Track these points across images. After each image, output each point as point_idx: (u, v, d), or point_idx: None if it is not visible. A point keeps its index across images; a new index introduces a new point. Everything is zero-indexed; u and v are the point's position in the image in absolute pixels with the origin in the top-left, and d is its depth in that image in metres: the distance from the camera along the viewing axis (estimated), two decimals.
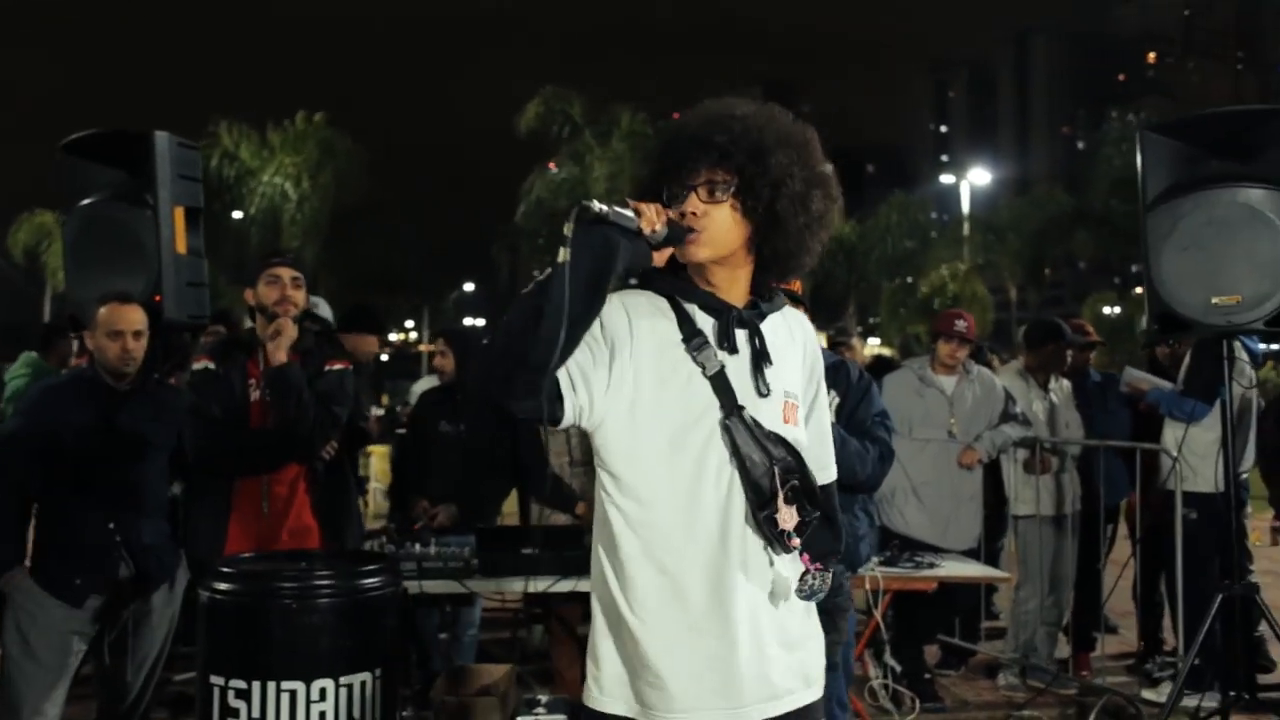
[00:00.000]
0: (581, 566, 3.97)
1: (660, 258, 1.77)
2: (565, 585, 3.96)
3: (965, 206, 34.55)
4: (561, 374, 1.67)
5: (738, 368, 1.78)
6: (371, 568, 2.94)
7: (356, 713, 2.80)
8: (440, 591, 4.11)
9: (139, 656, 3.49)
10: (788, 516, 1.74)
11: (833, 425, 3.28)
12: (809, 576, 1.79)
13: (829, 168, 1.84)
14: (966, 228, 33.76)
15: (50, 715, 3.35)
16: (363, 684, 2.81)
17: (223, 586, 2.85)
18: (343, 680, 2.78)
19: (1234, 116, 3.69)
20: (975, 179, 36.37)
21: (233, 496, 3.39)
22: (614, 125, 25.72)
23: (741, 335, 1.81)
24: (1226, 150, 3.58)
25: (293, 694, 2.75)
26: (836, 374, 3.45)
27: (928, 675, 5.14)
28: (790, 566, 1.78)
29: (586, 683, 1.82)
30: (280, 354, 3.37)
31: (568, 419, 1.70)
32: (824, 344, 6.87)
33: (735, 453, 1.73)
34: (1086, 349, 5.87)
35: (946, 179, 46.50)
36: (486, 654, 5.79)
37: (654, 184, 1.82)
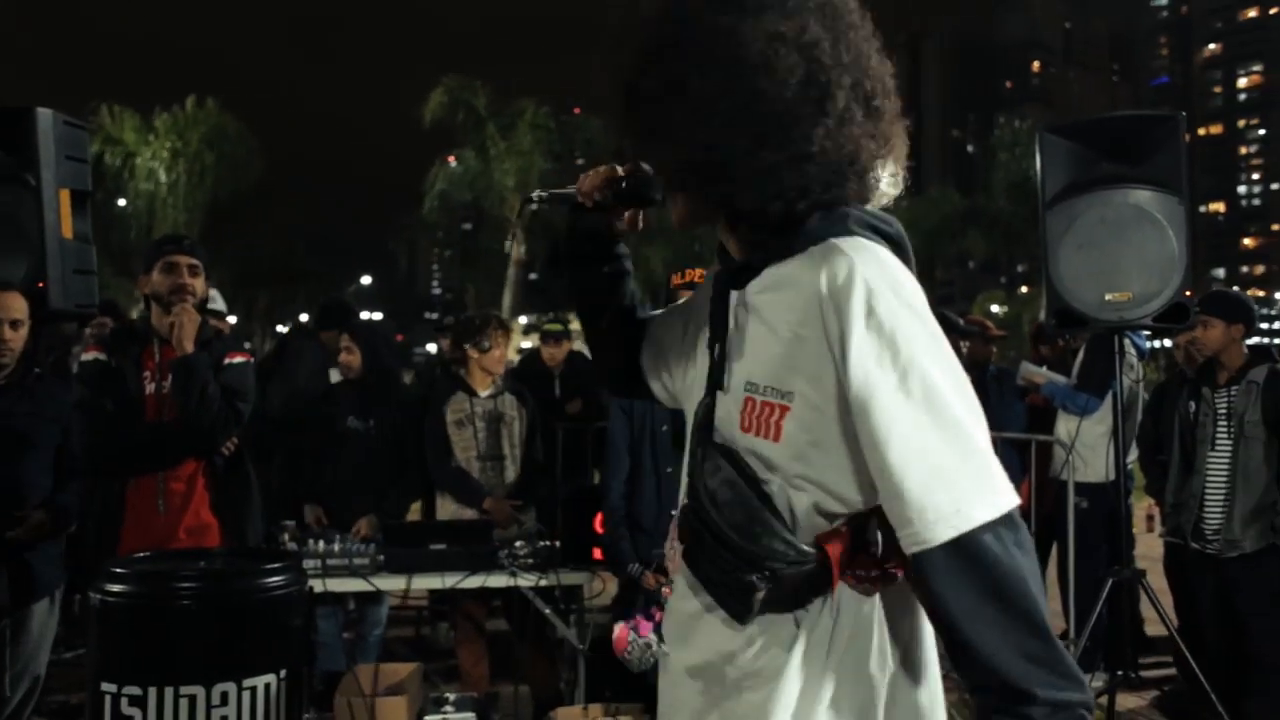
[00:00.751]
0: (488, 562, 3.94)
1: (629, 218, 1.49)
2: (474, 581, 3.91)
3: None
4: (644, 357, 1.56)
5: (718, 347, 1.36)
6: (274, 566, 2.84)
7: (260, 716, 2.70)
8: (346, 590, 4.02)
9: (17, 668, 3.30)
10: (672, 555, 1.37)
11: None
12: (633, 643, 1.56)
13: (720, 20, 1.21)
14: None
15: None
16: (267, 686, 2.71)
17: (115, 588, 2.71)
18: (246, 683, 2.67)
19: (1126, 121, 3.83)
20: None
21: (126, 494, 3.23)
22: (518, 117, 25.49)
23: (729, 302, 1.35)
24: (1118, 153, 3.71)
25: (192, 699, 2.64)
26: None
27: None
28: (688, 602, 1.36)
29: None
30: (187, 344, 3.21)
31: (660, 397, 1.58)
32: None
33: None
34: (987, 343, 6.05)
35: None
36: (391, 652, 5.68)
37: None
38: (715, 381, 1.33)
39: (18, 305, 3.25)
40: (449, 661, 5.26)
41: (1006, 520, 1.13)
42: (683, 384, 1.48)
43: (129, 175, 24.12)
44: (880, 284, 1.18)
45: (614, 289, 1.57)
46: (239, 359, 3.41)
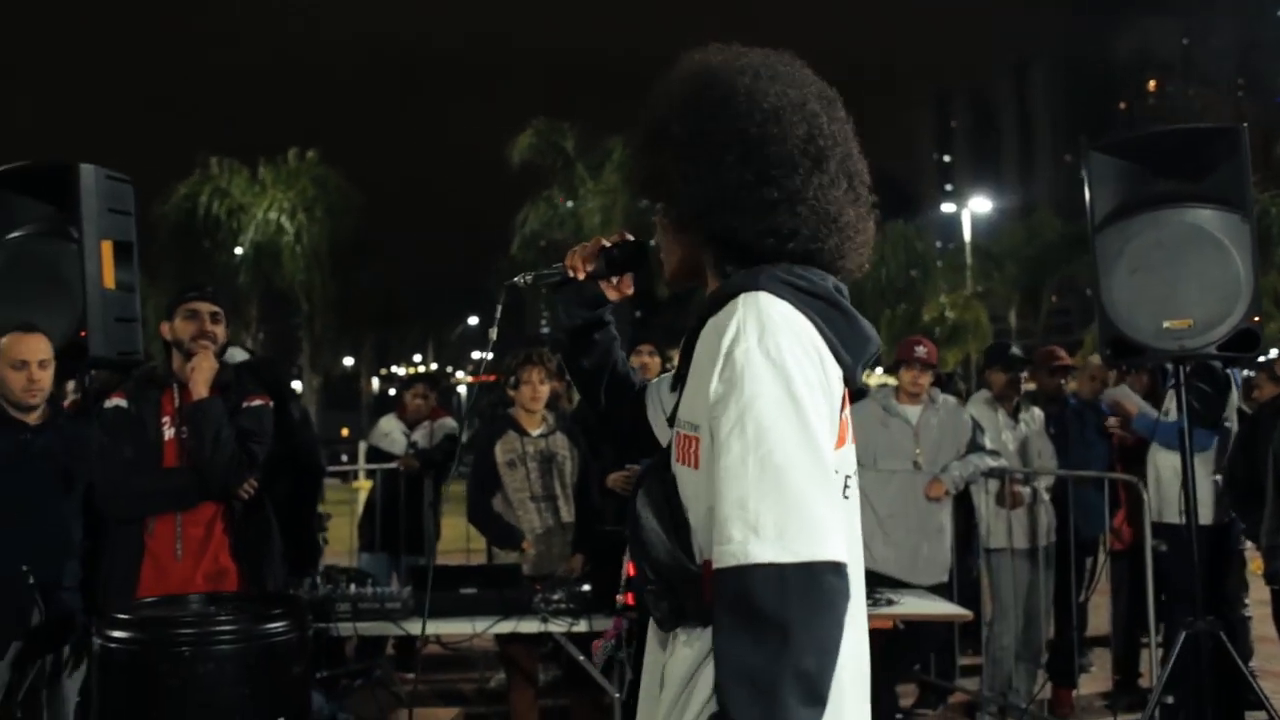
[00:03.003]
0: (521, 607, 3.85)
1: (623, 287, 1.76)
2: (506, 626, 3.83)
3: (967, 234, 34.54)
4: (651, 415, 1.75)
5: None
6: (275, 611, 2.81)
7: None
8: (377, 634, 3.99)
9: (54, 708, 3.35)
10: (630, 566, 1.65)
11: None
12: (604, 643, 1.72)
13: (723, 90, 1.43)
14: (969, 256, 33.70)
15: None
16: None
17: (116, 634, 2.72)
18: None
19: (1182, 134, 3.58)
20: (976, 207, 36.39)
21: (145, 539, 3.26)
22: (606, 157, 25.70)
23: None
24: (1175, 169, 3.47)
25: None
26: None
27: (899, 715, 4.97)
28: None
29: None
30: (201, 388, 3.25)
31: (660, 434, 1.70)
32: None
33: None
34: (1053, 375, 5.73)
35: (948, 207, 46.58)
36: (452, 696, 5.65)
37: None
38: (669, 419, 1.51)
39: (43, 346, 3.34)
40: (500, 706, 5.19)
41: (798, 568, 1.21)
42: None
43: (237, 226, 25.11)
44: (748, 330, 1.31)
45: (609, 353, 1.81)
46: (257, 402, 3.43)
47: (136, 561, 3.23)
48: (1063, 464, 5.33)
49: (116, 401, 3.36)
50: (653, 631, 1.47)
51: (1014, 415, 5.39)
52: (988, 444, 5.03)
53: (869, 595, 4.22)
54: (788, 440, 1.25)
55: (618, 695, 3.92)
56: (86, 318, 3.79)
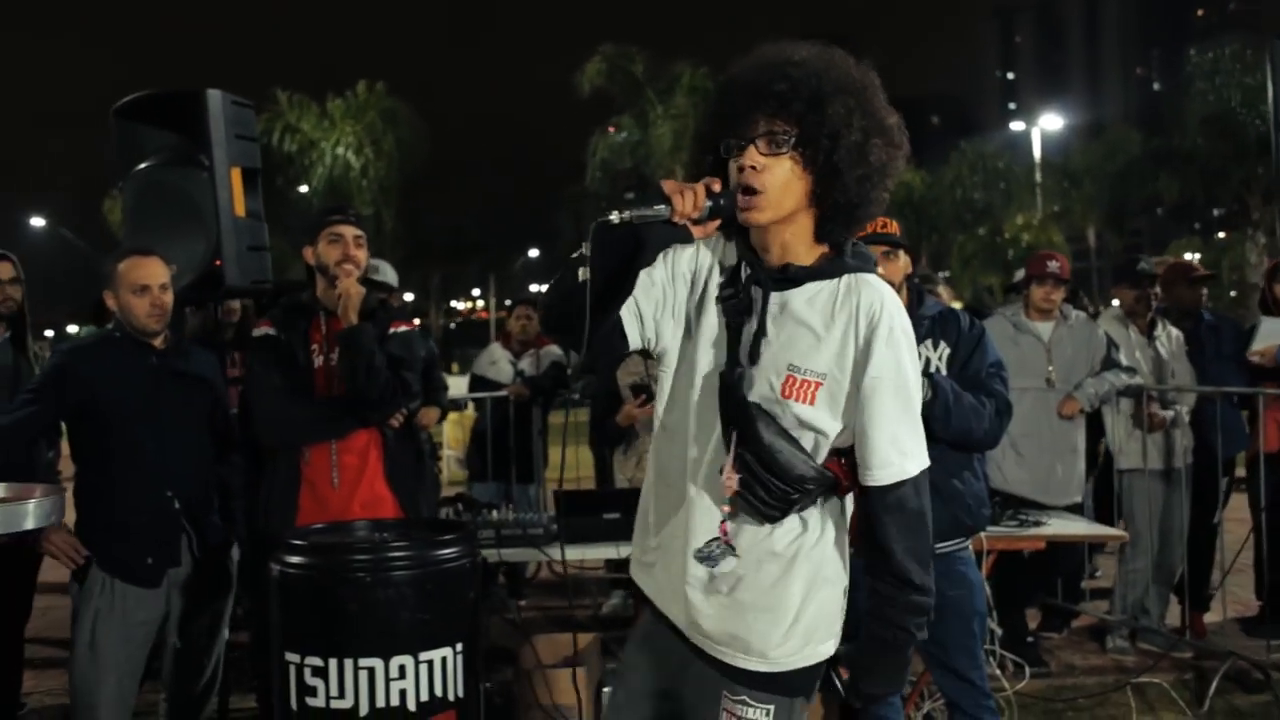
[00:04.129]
0: None
1: (708, 229, 1.81)
2: None
3: (1037, 153, 33.45)
4: (627, 314, 1.84)
5: (750, 331, 1.80)
6: (448, 537, 2.77)
7: (439, 689, 2.65)
8: (520, 560, 3.97)
9: (204, 638, 3.37)
10: (730, 481, 1.76)
11: (945, 379, 3.05)
12: (714, 543, 1.81)
13: (892, 115, 1.79)
14: (1039, 175, 32.67)
15: (125, 715, 3.22)
16: (443, 660, 2.65)
17: (294, 560, 2.70)
18: (422, 656, 2.62)
19: None
20: (1047, 124, 35.18)
21: (301, 467, 3.23)
22: (676, 82, 25.21)
23: (759, 296, 1.81)
24: None
25: (371, 671, 2.60)
26: (945, 324, 3.19)
27: (1030, 639, 4.87)
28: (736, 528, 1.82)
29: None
30: (351, 315, 3.18)
31: (634, 346, 1.87)
32: None
33: (722, 405, 1.79)
34: (1193, 286, 5.48)
35: (1016, 126, 45.10)
36: (570, 623, 5.67)
37: (711, 137, 1.82)
38: (747, 356, 1.79)
39: (162, 270, 3.23)
40: (624, 631, 5.19)
41: (920, 476, 1.80)
42: (670, 342, 1.89)
43: (307, 161, 25.15)
44: (891, 312, 1.78)
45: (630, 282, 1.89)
46: (404, 328, 3.37)
47: (294, 489, 3.21)
48: (1200, 381, 5.11)
49: (265, 329, 3.31)
50: (747, 530, 1.81)
51: (1147, 333, 5.17)
52: (1123, 360, 4.85)
53: (1013, 516, 4.17)
54: (916, 393, 1.81)
55: None
56: (221, 246, 3.75)
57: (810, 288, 1.79)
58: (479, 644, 2.82)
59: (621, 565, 4.83)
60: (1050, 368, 4.79)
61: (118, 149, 4.01)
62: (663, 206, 1.72)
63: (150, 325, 3.21)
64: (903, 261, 3.21)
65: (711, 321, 1.84)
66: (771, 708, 1.82)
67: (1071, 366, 4.79)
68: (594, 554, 3.87)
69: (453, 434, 10.08)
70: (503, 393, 6.23)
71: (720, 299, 1.83)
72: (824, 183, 1.74)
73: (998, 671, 4.38)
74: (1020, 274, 5.88)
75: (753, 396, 1.76)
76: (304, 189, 25.86)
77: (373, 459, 3.25)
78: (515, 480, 6.21)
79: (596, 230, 1.72)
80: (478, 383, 6.57)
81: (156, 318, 3.21)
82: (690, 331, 1.87)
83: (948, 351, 3.15)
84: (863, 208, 1.78)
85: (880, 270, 3.16)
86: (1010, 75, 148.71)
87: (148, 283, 3.19)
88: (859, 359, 1.76)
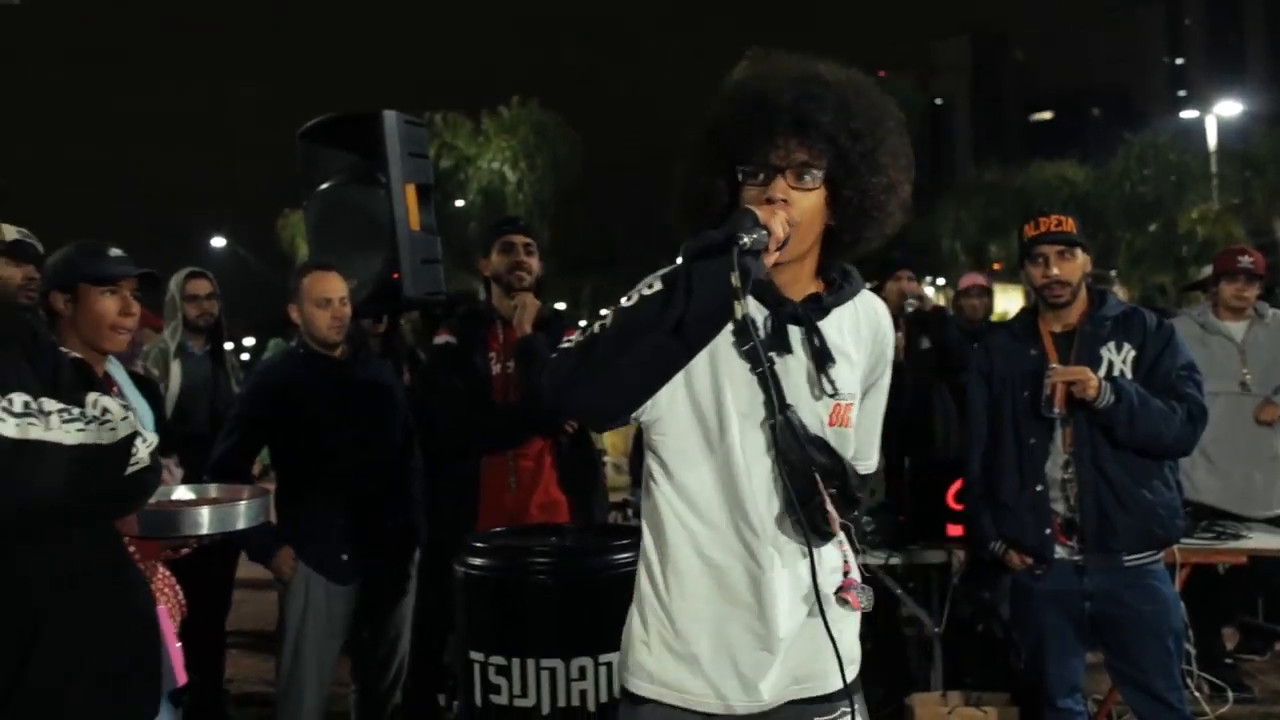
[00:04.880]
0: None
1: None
2: None
3: (1212, 142, 31.45)
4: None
5: (788, 367, 1.68)
6: (624, 542, 2.80)
7: (617, 691, 2.67)
8: None
9: (392, 632, 3.51)
10: (833, 520, 1.65)
11: (1129, 383, 2.91)
12: (855, 589, 1.71)
13: (909, 147, 1.71)
14: (1214, 165, 30.71)
15: (320, 706, 3.39)
16: None
17: (477, 562, 2.78)
18: (602, 658, 2.66)
19: None
20: (1223, 111, 33.02)
21: (480, 472, 3.33)
22: None
23: (796, 334, 1.69)
24: None
25: (552, 671, 2.66)
26: (1129, 324, 3.04)
27: (1228, 661, 4.58)
28: (829, 558, 1.74)
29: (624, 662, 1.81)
30: (525, 325, 3.28)
31: (622, 420, 1.71)
32: None
33: (778, 454, 1.64)
34: None
35: (1188, 114, 42.60)
36: None
37: (722, 158, 1.64)
38: (806, 389, 1.71)
39: (341, 284, 3.38)
40: None
41: None
42: (666, 405, 1.69)
43: (463, 176, 25.95)
44: (889, 322, 1.84)
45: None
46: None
47: (474, 492, 3.31)
48: None
49: (445, 338, 3.43)
50: (797, 543, 1.70)
51: None
52: None
53: (1208, 528, 3.93)
54: None
55: (937, 630, 3.77)
56: (398, 259, 3.91)
57: (835, 315, 1.73)
58: None
59: None
60: (1245, 370, 4.50)
61: (302, 169, 4.24)
62: (764, 232, 1.48)
63: (331, 336, 3.37)
64: (1080, 260, 3.08)
65: (723, 365, 1.67)
66: (859, 696, 1.76)
67: (1270, 368, 4.49)
68: None
69: (611, 440, 10.22)
70: None
71: (737, 339, 1.64)
72: (851, 220, 1.66)
73: (1196, 694, 4.14)
74: (1207, 270, 5.55)
75: (809, 431, 1.67)
76: (459, 203, 26.71)
77: (547, 463, 3.33)
78: None
79: (739, 254, 1.45)
80: None
81: (336, 329, 3.37)
82: (689, 386, 1.68)
83: (1133, 353, 3.00)
84: (875, 241, 1.72)
85: (1055, 271, 3.05)
86: (1179, 61, 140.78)
87: (329, 296, 3.36)
88: (870, 370, 1.79)
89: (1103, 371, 2.97)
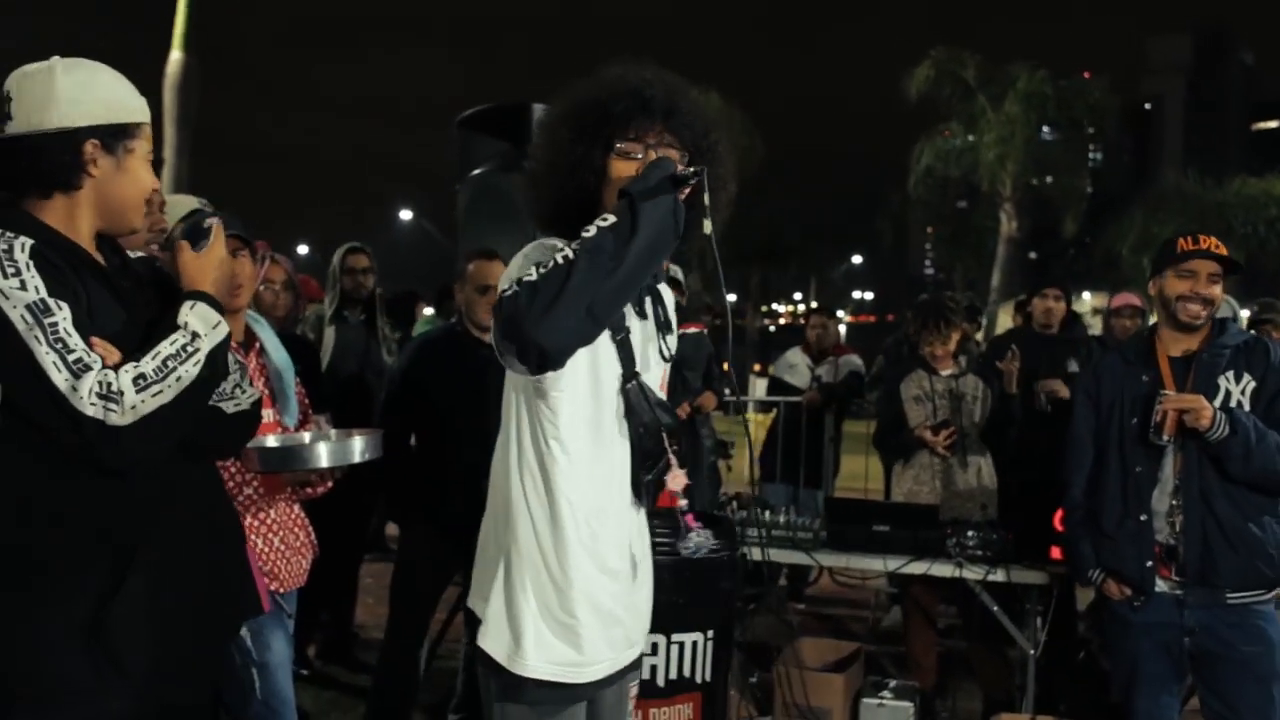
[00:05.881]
0: (934, 549, 3.75)
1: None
2: (918, 567, 3.75)
3: None
4: None
5: (641, 334, 1.83)
6: (710, 530, 2.93)
7: (687, 670, 2.82)
8: (787, 561, 4.06)
9: None
10: (678, 477, 1.82)
11: (1245, 415, 2.81)
12: (694, 534, 1.86)
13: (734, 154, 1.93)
14: None
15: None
16: (694, 644, 2.82)
17: None
18: (674, 637, 2.80)
19: None
20: None
21: None
22: (1010, 85, 23.98)
23: (647, 301, 1.86)
24: None
25: None
26: (1251, 354, 2.92)
27: None
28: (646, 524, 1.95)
29: (504, 643, 1.80)
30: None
31: (556, 370, 1.72)
32: (1244, 323, 5.95)
33: (629, 415, 1.79)
34: None
35: None
36: (841, 630, 5.69)
37: (601, 133, 1.77)
38: (656, 352, 1.89)
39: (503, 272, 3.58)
40: (900, 648, 5.14)
41: None
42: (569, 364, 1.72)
43: None
44: None
45: None
46: (693, 330, 3.56)
47: None
48: None
49: None
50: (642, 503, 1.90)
51: None
52: None
53: None
54: None
55: (1032, 652, 3.72)
56: None
57: (662, 287, 1.94)
58: (731, 634, 2.96)
59: (898, 580, 4.81)
60: None
61: (459, 155, 4.54)
62: (692, 169, 1.71)
63: (487, 322, 3.53)
64: (1221, 288, 2.98)
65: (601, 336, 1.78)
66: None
67: None
68: (860, 564, 3.89)
69: (758, 435, 10.32)
70: (798, 398, 6.33)
71: None
72: (689, 207, 1.74)
73: None
74: None
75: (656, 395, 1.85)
76: None
77: None
78: (803, 484, 6.29)
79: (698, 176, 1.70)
80: (775, 385, 6.70)
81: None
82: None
83: (1253, 384, 2.88)
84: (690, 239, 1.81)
85: (1203, 290, 2.93)
86: None
87: (490, 283, 3.53)
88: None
89: (1219, 401, 2.86)
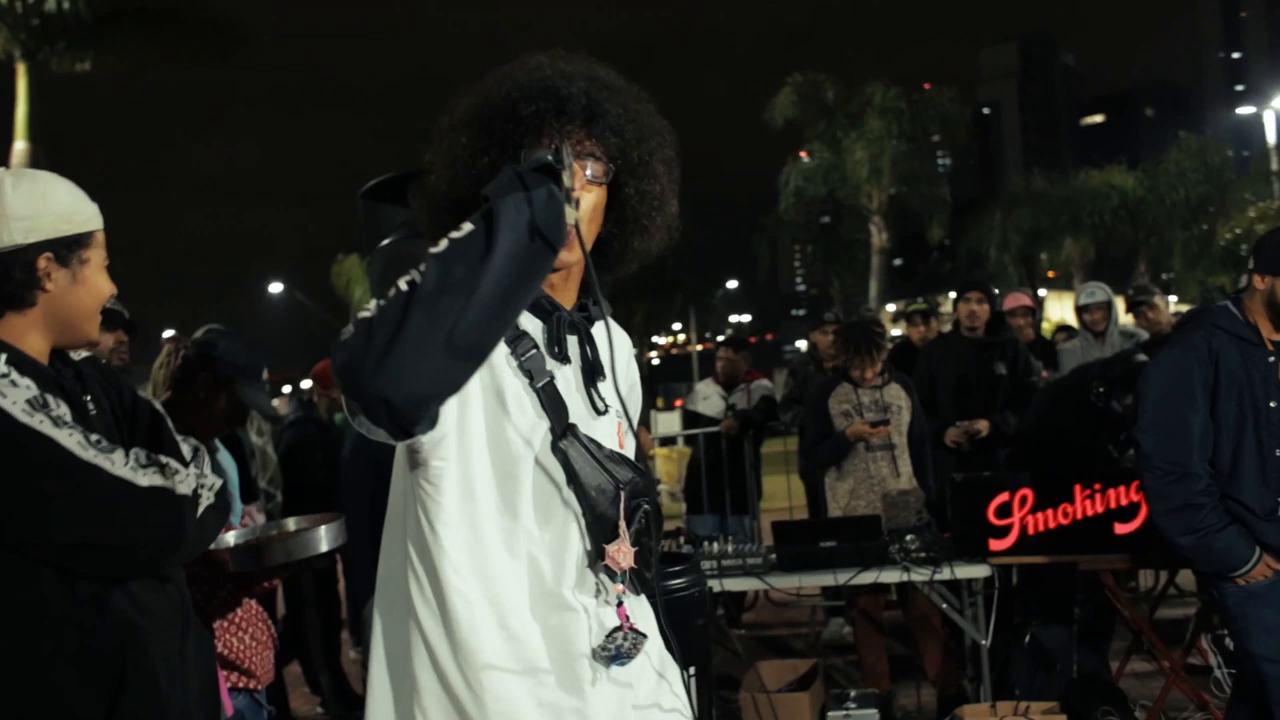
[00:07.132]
0: (880, 557, 3.90)
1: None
2: (867, 577, 3.89)
3: (1271, 137, 30.84)
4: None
5: (568, 381, 1.49)
6: (679, 568, 3.00)
7: None
8: (741, 589, 4.16)
9: None
10: (624, 553, 1.46)
11: None
12: (618, 634, 1.46)
13: (676, 161, 1.61)
14: (1275, 161, 30.10)
15: None
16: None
17: None
18: None
19: None
20: None
21: None
22: (867, 104, 25.09)
23: (572, 342, 1.50)
24: None
25: None
26: None
27: None
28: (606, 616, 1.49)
29: None
30: None
31: (425, 432, 1.37)
32: (1122, 308, 6.30)
33: (572, 479, 1.44)
34: None
35: (1245, 110, 41.74)
36: (785, 648, 5.80)
37: (509, 138, 1.46)
38: (587, 403, 1.52)
39: None
40: (847, 658, 5.27)
41: None
42: (447, 425, 1.39)
43: None
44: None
45: None
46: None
47: None
48: None
49: None
50: (636, 606, 1.58)
51: None
52: None
53: None
54: None
55: (984, 642, 3.89)
56: None
57: (599, 326, 1.55)
58: (711, 669, 3.02)
59: (838, 593, 4.95)
60: None
61: (365, 226, 4.51)
62: (561, 152, 1.37)
63: None
64: None
65: (500, 381, 1.44)
66: None
67: None
68: (811, 581, 4.00)
69: (666, 469, 10.41)
70: (716, 428, 6.46)
71: (518, 355, 1.44)
72: (618, 228, 1.55)
73: None
74: None
75: (606, 448, 1.49)
76: None
77: None
78: (730, 511, 6.41)
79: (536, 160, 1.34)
80: (691, 418, 6.82)
81: None
82: (464, 406, 1.41)
83: None
84: (627, 262, 1.61)
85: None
86: (1236, 55, 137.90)
87: None
88: (631, 398, 1.62)
89: None
